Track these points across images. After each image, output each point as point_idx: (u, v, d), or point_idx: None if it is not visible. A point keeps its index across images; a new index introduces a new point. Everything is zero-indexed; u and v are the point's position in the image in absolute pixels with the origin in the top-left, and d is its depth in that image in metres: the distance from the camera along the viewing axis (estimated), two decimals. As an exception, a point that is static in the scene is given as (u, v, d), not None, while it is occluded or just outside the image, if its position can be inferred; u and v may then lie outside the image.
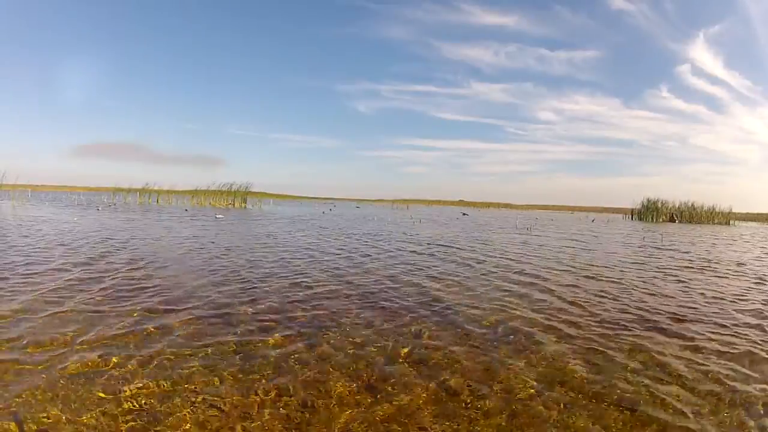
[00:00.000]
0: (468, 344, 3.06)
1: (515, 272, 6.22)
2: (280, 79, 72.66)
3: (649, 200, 33.16)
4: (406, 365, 2.63)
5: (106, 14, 63.22)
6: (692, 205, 32.47)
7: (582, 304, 4.43)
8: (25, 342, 2.68)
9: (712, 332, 3.58)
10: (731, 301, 4.83)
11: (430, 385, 2.36)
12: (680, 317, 4.06)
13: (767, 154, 72.50)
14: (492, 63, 69.21)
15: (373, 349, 2.87)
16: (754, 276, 6.87)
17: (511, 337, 3.27)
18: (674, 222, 31.41)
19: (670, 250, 10.68)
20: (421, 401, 2.19)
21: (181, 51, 68.13)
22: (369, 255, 7.49)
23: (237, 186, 28.75)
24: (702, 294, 5.22)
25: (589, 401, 2.26)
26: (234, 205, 28.45)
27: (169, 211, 19.39)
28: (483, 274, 5.95)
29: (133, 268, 5.20)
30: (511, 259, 7.65)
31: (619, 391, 2.38)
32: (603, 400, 2.28)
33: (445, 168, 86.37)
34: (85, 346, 2.66)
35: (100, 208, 18.45)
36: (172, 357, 2.56)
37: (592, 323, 3.71)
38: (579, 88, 74.63)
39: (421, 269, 6.17)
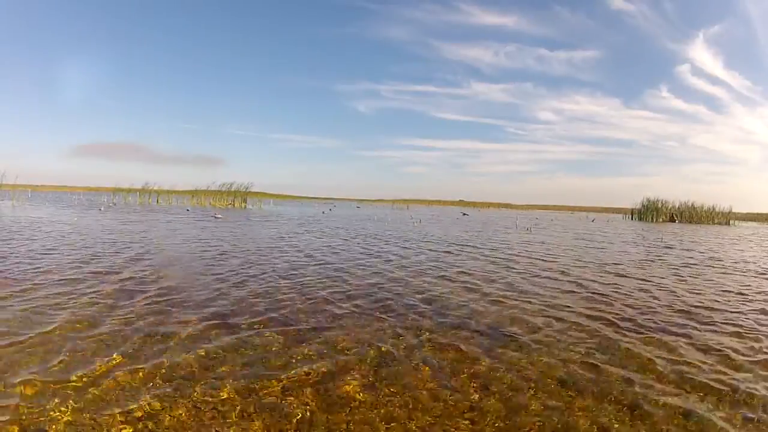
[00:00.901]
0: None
1: (555, 271, 6.53)
2: (280, 79, 72.69)
3: (649, 200, 33.25)
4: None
5: (106, 14, 63.15)
6: (692, 205, 32.55)
7: (638, 301, 4.67)
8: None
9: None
10: None
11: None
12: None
13: (767, 154, 72.74)
14: (492, 63, 69.32)
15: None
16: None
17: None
18: (674, 222, 31.45)
19: (680, 249, 10.69)
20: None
21: (181, 51, 68.11)
22: (403, 256, 7.56)
23: (237, 186, 28.74)
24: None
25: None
26: (234, 205, 28.41)
27: (170, 211, 19.34)
28: (533, 276, 6.02)
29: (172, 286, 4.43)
30: (541, 259, 7.88)
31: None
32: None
33: (445, 168, 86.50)
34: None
35: (102, 209, 18.40)
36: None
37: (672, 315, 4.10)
38: (579, 88, 74.80)
39: (465, 272, 6.06)
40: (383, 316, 3.66)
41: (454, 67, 72.57)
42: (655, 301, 4.68)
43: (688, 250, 10.79)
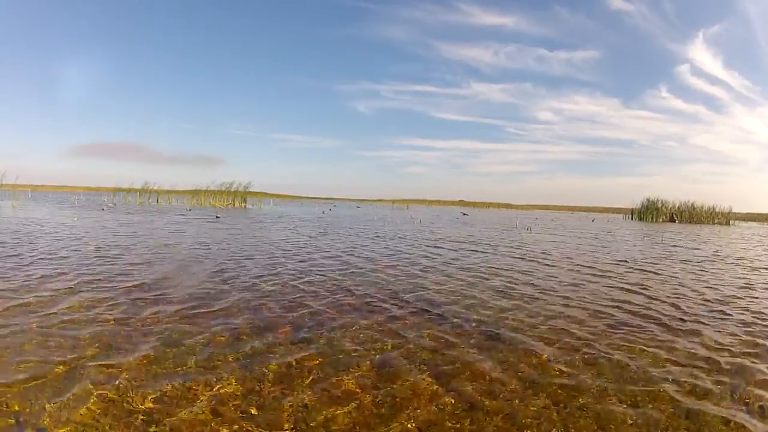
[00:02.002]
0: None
1: (582, 266, 7.03)
2: (279, 79, 72.54)
3: (649, 200, 33.19)
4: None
5: (106, 14, 63.10)
6: (692, 205, 32.50)
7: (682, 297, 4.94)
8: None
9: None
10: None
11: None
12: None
13: (767, 154, 72.70)
14: (491, 63, 69.21)
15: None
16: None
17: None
18: (674, 222, 31.43)
19: (684, 248, 10.69)
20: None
21: (180, 51, 67.99)
22: (428, 256, 7.52)
23: (237, 186, 28.74)
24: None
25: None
26: (234, 204, 28.41)
27: (171, 211, 19.34)
28: (570, 270, 6.16)
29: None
30: (567, 257, 8.25)
31: None
32: None
33: (445, 168, 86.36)
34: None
35: (104, 209, 18.42)
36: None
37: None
38: (578, 88, 74.63)
39: (501, 273, 6.03)
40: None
41: (454, 67, 72.52)
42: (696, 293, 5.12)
43: (695, 249, 10.81)
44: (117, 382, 2.17)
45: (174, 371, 2.33)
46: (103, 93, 70.10)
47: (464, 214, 35.44)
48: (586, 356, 2.84)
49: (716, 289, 5.47)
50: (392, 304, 4.00)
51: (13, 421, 1.80)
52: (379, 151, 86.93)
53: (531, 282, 5.45)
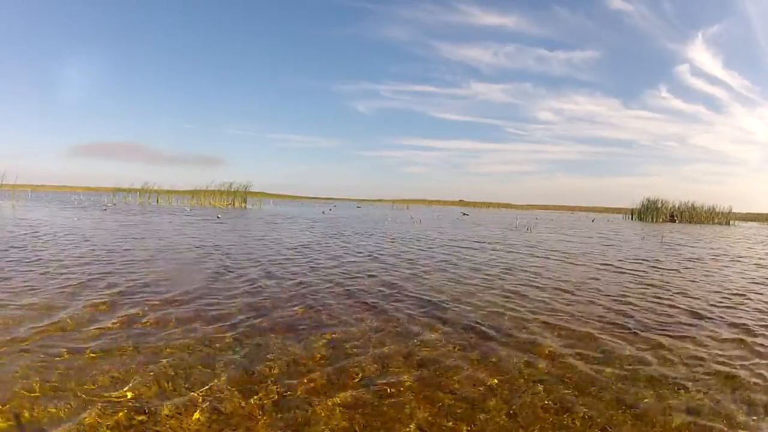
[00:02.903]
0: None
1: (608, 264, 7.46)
2: (279, 79, 72.68)
3: (648, 200, 33.18)
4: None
5: (106, 14, 63.11)
6: (692, 205, 32.49)
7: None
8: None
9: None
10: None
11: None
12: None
13: (767, 154, 72.70)
14: (491, 63, 69.32)
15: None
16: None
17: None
18: (674, 222, 31.41)
19: (690, 247, 10.70)
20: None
21: (180, 51, 68.12)
22: (467, 258, 7.52)
23: (237, 186, 28.73)
24: None
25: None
26: (234, 205, 28.39)
27: (174, 211, 19.33)
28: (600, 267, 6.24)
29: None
30: (595, 255, 8.69)
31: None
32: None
33: (445, 168, 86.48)
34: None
35: (106, 209, 18.42)
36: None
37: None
38: (578, 88, 74.76)
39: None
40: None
41: (454, 67, 72.62)
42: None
43: (699, 248, 10.81)
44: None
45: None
46: (103, 93, 70.32)
47: (464, 214, 35.42)
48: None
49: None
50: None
51: (14, 422, 1.80)
52: (379, 151, 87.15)
53: (582, 281, 5.63)
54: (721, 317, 4.01)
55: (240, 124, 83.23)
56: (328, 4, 65.04)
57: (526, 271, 6.29)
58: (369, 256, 7.27)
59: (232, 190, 28.67)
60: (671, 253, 9.66)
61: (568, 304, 4.28)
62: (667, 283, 5.75)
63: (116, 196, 31.58)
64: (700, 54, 64.25)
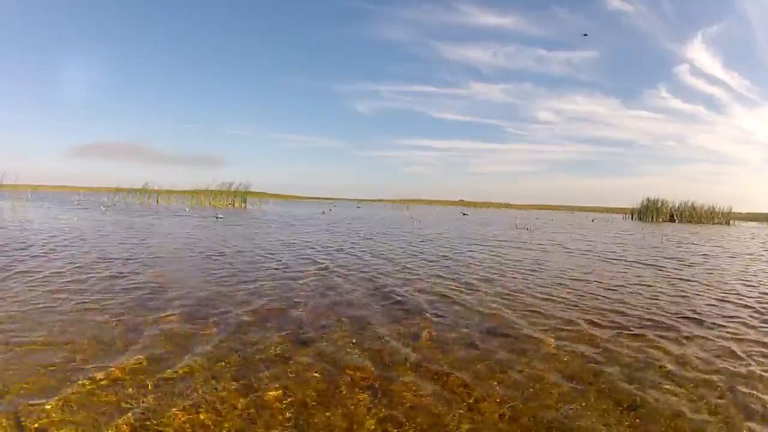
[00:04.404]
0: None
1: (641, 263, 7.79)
2: (279, 79, 72.72)
3: (649, 200, 33.18)
4: None
5: (106, 14, 63.15)
6: (692, 205, 32.49)
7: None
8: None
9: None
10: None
11: None
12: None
13: (767, 154, 72.66)
14: (491, 63, 69.43)
15: None
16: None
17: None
18: (674, 222, 31.39)
19: (695, 245, 10.74)
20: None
21: (180, 51, 68.18)
22: (515, 260, 7.51)
23: (236, 186, 28.73)
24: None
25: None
26: (234, 205, 28.39)
27: (175, 212, 19.34)
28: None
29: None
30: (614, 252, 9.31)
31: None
32: None
33: (445, 168, 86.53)
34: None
35: (107, 210, 18.42)
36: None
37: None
38: (578, 88, 74.88)
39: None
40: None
41: (454, 67, 72.72)
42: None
43: (711, 246, 10.83)
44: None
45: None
46: (103, 93, 70.39)
47: (464, 214, 35.42)
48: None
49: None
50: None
51: (13, 421, 1.81)
52: (379, 151, 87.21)
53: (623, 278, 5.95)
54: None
55: (240, 124, 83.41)
56: (328, 4, 65.17)
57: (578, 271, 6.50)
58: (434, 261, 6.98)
59: (232, 190, 28.69)
60: (695, 252, 10.05)
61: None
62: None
63: (116, 196, 31.59)
64: (700, 54, 64.39)
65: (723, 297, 4.91)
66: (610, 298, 4.59)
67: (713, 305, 4.48)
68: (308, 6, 66.67)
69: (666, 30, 63.48)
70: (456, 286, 4.88)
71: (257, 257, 6.44)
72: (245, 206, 28.13)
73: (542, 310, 3.95)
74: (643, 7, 61.50)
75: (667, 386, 2.39)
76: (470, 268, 6.31)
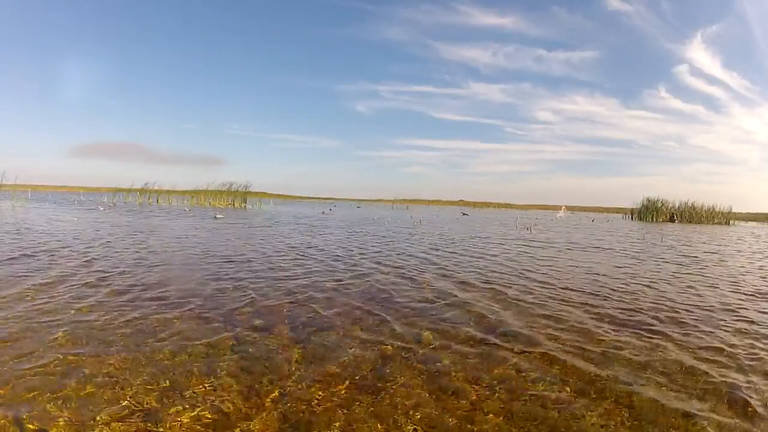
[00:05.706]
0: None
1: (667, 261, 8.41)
2: (279, 79, 72.64)
3: (648, 200, 33.20)
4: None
5: (107, 14, 63.16)
6: (692, 205, 32.50)
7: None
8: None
9: None
10: None
11: None
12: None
13: (766, 154, 72.64)
14: (490, 63, 69.33)
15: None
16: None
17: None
18: (674, 222, 31.41)
19: (698, 244, 10.75)
20: None
21: (180, 51, 68.09)
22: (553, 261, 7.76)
23: (236, 186, 28.73)
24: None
25: None
26: (234, 205, 28.40)
27: (176, 212, 19.34)
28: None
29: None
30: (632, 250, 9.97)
31: None
32: None
33: (445, 168, 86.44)
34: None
35: (104, 209, 18.44)
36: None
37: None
38: (577, 88, 74.66)
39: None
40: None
41: (453, 67, 72.67)
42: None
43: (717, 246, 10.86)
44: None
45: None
46: (103, 93, 70.34)
47: (464, 214, 35.43)
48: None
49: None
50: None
51: (12, 421, 1.82)
52: (378, 151, 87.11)
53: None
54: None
55: (240, 124, 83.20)
56: (328, 4, 65.10)
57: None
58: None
59: (232, 190, 28.69)
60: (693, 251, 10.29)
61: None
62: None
63: (116, 196, 31.59)
64: (699, 54, 64.27)
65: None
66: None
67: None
68: (308, 6, 66.73)
69: (665, 30, 63.51)
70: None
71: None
72: (245, 206, 28.14)
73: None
74: (643, 7, 61.50)
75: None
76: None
